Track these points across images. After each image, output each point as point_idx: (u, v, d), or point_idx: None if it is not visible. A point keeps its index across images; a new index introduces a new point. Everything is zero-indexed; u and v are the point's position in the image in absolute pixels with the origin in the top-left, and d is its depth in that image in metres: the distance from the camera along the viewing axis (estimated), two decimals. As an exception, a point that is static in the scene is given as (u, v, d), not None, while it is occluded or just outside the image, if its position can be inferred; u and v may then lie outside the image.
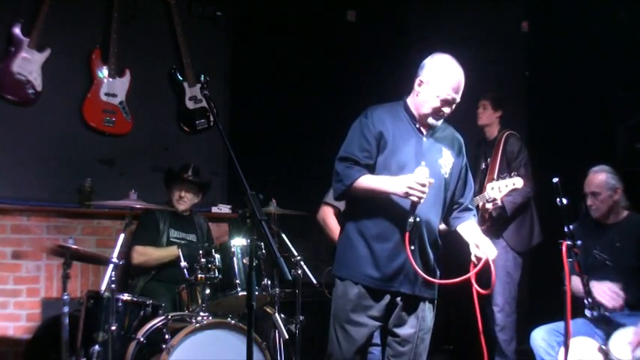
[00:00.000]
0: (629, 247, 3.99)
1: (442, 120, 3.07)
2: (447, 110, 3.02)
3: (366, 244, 3.03)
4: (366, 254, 3.03)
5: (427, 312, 3.11)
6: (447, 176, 3.10)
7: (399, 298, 3.05)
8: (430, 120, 3.05)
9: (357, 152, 3.02)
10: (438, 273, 3.17)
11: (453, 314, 5.46)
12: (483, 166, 4.80)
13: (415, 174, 2.88)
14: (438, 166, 3.07)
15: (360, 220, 3.07)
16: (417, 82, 3.07)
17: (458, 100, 3.03)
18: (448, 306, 5.42)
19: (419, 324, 3.08)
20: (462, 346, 5.42)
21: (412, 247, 2.96)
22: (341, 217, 3.40)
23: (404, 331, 3.08)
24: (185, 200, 4.63)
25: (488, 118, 4.81)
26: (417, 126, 3.10)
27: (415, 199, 2.87)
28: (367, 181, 2.98)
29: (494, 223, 4.59)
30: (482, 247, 3.02)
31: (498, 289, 4.60)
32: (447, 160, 3.10)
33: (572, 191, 4.29)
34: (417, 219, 2.92)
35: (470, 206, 3.22)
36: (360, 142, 3.03)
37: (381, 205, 3.00)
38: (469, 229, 3.15)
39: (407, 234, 2.92)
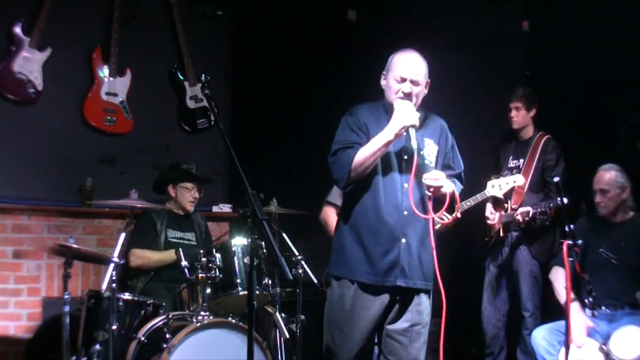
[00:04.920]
0: (634, 247, 4.00)
1: (410, 102, 3.06)
2: (406, 89, 3.05)
3: (359, 241, 3.06)
4: (360, 251, 3.05)
5: (423, 305, 3.10)
6: (432, 165, 3.15)
7: (395, 294, 3.06)
8: None
9: (347, 139, 3.07)
10: (433, 264, 3.11)
11: (452, 313, 5.46)
12: (513, 165, 4.72)
13: (399, 109, 2.99)
14: (421, 158, 3.10)
15: (351, 217, 3.11)
16: (381, 79, 3.19)
17: (416, 78, 3.06)
18: (447, 305, 5.45)
19: (414, 318, 3.07)
20: (460, 345, 5.43)
21: (403, 240, 3.02)
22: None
23: (398, 325, 3.07)
24: (196, 201, 4.63)
25: (523, 119, 4.68)
26: None
27: (415, 122, 2.95)
28: (364, 149, 3.00)
29: (521, 230, 4.60)
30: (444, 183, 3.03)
31: (527, 294, 4.57)
32: (430, 149, 3.15)
33: (573, 190, 4.32)
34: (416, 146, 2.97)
35: (461, 174, 3.30)
36: (350, 134, 3.09)
37: (371, 201, 3.05)
38: None
39: (414, 163, 2.95)
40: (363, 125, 3.10)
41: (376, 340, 3.67)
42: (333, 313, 3.12)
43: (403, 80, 3.05)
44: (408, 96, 3.05)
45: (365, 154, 2.98)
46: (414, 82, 3.05)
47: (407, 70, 3.06)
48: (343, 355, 3.06)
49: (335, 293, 3.11)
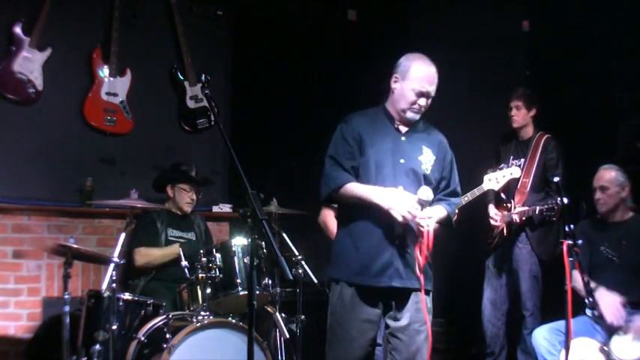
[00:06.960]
0: (634, 246, 4.01)
1: (419, 114, 3.16)
2: (422, 103, 3.12)
3: (353, 244, 3.13)
4: (355, 254, 3.12)
5: (421, 304, 3.12)
6: (427, 172, 3.18)
7: (392, 294, 3.10)
8: (409, 114, 3.15)
9: (341, 155, 3.14)
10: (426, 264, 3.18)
11: (452, 313, 5.46)
12: (513, 165, 4.69)
13: (417, 195, 2.99)
14: (417, 163, 3.16)
15: (346, 221, 3.20)
16: (392, 79, 3.19)
17: (432, 93, 3.12)
18: (447, 305, 5.45)
19: (412, 316, 3.11)
20: (460, 345, 5.43)
21: (397, 242, 3.07)
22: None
23: (399, 323, 3.12)
24: (194, 203, 4.62)
25: (523, 118, 4.68)
26: (396, 125, 3.21)
27: (405, 220, 2.97)
28: (356, 189, 3.08)
29: (521, 229, 4.59)
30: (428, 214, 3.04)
31: (527, 294, 4.57)
32: (427, 158, 3.19)
33: (574, 191, 4.32)
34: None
35: (457, 191, 3.32)
36: (343, 145, 3.15)
37: (363, 205, 3.08)
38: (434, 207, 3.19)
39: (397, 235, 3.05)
40: (357, 135, 3.15)
41: (380, 341, 3.70)
42: (334, 314, 3.19)
43: (422, 94, 3.10)
44: (420, 109, 3.12)
45: (352, 193, 3.07)
46: (429, 97, 3.12)
47: (428, 85, 3.10)
48: (346, 352, 3.10)
49: (334, 295, 3.19)
